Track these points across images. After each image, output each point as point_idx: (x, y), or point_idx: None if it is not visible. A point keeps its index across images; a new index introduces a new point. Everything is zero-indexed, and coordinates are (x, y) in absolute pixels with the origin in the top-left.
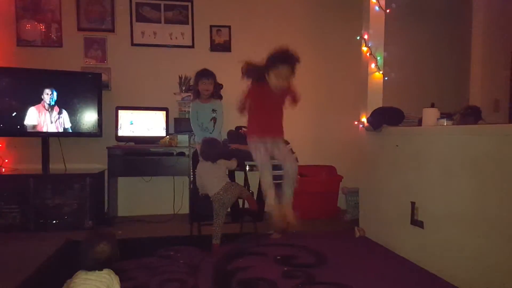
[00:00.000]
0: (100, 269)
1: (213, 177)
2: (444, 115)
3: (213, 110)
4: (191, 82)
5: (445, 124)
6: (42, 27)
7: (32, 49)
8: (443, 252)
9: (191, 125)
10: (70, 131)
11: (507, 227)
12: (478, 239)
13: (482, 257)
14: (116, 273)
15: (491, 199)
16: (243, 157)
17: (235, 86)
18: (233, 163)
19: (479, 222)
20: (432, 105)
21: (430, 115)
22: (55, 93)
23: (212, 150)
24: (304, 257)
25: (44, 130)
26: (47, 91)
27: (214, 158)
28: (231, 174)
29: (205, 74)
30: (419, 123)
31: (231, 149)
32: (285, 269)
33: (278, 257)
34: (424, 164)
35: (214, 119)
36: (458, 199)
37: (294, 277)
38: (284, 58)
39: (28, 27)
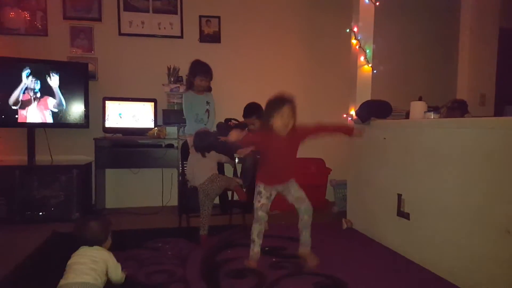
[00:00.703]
0: (91, 245)
1: (201, 168)
2: (431, 108)
3: (207, 103)
4: (180, 73)
5: (432, 117)
6: (26, 15)
7: (16, 38)
8: (428, 243)
9: (185, 115)
10: (52, 116)
11: (492, 219)
12: (463, 230)
13: (468, 248)
14: None
15: (477, 191)
16: (233, 149)
17: (224, 78)
18: (224, 158)
19: (464, 214)
20: (420, 99)
21: (418, 108)
22: (38, 81)
23: (204, 142)
24: (292, 248)
25: (28, 120)
26: (30, 78)
27: (205, 150)
28: (221, 166)
29: (205, 71)
30: (407, 116)
31: (221, 141)
32: (273, 260)
33: (266, 248)
34: (411, 157)
35: (207, 111)
36: (444, 191)
37: (282, 267)
38: (282, 100)
39: (11, 14)
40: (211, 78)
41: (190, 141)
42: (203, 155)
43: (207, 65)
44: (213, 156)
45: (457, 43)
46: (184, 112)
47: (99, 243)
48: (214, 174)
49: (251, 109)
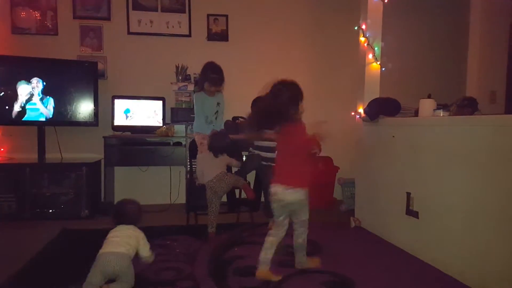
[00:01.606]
0: (128, 223)
1: (210, 165)
2: (440, 106)
3: (217, 104)
4: (188, 72)
5: (441, 115)
6: (37, 14)
7: (27, 37)
8: (437, 242)
9: (196, 115)
10: (62, 114)
11: (502, 218)
12: (472, 229)
13: (477, 247)
14: None
15: (487, 189)
16: (240, 148)
17: (231, 76)
18: (234, 163)
19: (474, 213)
20: (429, 96)
21: (427, 106)
22: (40, 81)
23: (220, 143)
24: None
25: (38, 118)
26: (34, 80)
27: (219, 151)
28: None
29: (214, 79)
30: (416, 114)
31: (233, 143)
32: (281, 258)
33: None
34: (420, 155)
35: (217, 113)
36: (453, 190)
37: (290, 266)
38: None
39: (23, 14)
40: (221, 84)
41: (198, 138)
42: (216, 156)
43: (218, 71)
44: (224, 158)
45: (466, 39)
46: (195, 111)
47: (134, 223)
48: (223, 172)
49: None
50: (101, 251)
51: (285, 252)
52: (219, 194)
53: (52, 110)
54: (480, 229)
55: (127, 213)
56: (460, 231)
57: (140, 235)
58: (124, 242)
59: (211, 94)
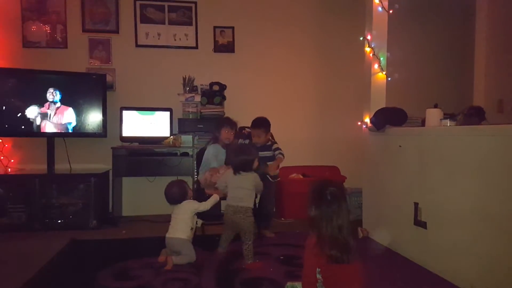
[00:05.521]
0: (180, 202)
1: (239, 185)
2: (447, 115)
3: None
4: (195, 83)
5: (448, 125)
6: (47, 28)
7: (38, 50)
8: (446, 253)
9: (205, 165)
10: (72, 127)
11: (511, 228)
12: (481, 239)
13: (486, 257)
14: (120, 272)
15: (495, 199)
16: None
17: (238, 87)
18: (260, 187)
19: (482, 223)
20: (435, 106)
21: (434, 115)
22: (57, 92)
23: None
24: None
25: (48, 130)
26: (50, 90)
27: (240, 168)
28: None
29: (230, 123)
30: (423, 123)
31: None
32: (289, 269)
33: (281, 257)
34: (427, 165)
35: None
36: (461, 200)
37: (298, 276)
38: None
39: (33, 28)
40: (236, 126)
41: (212, 172)
42: (238, 172)
43: (232, 120)
44: (252, 179)
45: (472, 48)
46: (204, 162)
47: (183, 198)
48: (247, 208)
49: (260, 121)
50: (166, 235)
51: None
52: (231, 228)
53: (72, 120)
54: (490, 239)
55: (172, 196)
56: (469, 242)
57: (194, 205)
58: (179, 224)
59: (225, 145)
